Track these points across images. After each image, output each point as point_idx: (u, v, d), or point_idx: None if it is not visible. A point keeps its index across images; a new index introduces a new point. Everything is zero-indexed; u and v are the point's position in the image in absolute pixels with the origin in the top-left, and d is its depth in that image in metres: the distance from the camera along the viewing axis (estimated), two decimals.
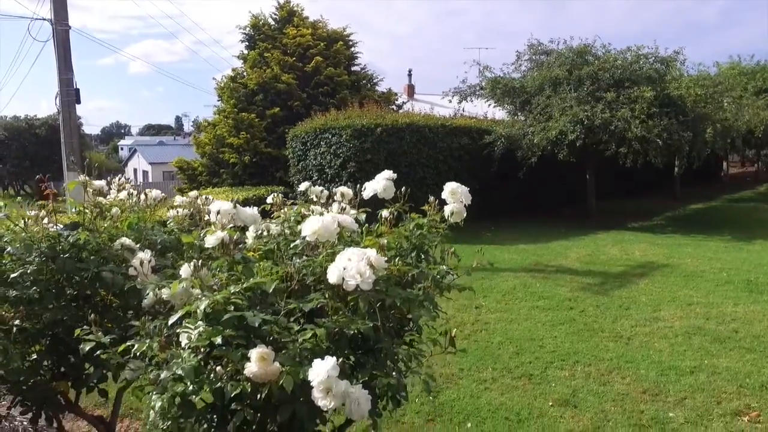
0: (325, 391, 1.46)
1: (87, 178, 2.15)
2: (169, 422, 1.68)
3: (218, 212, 1.89)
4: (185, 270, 1.80)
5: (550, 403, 4.22)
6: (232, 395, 1.59)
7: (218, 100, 17.22)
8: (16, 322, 2.02)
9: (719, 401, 4.20)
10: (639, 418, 3.96)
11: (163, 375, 1.65)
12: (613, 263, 9.06)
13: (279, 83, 15.51)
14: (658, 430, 3.81)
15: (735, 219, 14.22)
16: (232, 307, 1.69)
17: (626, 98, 11.53)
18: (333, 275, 1.60)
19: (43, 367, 2.16)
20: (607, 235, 11.65)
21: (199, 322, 1.65)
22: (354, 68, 17.66)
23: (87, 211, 2.21)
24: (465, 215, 2.23)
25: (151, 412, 1.72)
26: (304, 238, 1.76)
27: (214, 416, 1.77)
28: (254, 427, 1.71)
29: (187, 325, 1.68)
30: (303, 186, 2.61)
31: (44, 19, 10.83)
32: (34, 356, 2.12)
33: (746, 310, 6.37)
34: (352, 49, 17.53)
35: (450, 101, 14.38)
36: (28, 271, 2.07)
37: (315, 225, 1.75)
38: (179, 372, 1.61)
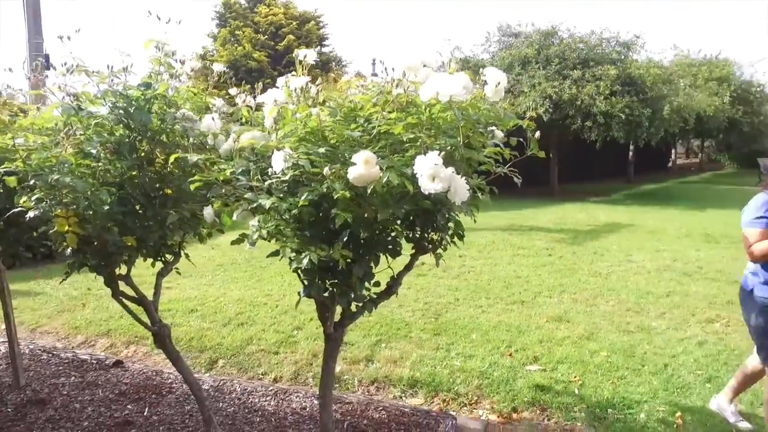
0: (431, 177, 1.67)
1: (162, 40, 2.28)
2: (272, 227, 1.87)
3: (305, 56, 2.08)
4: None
5: (545, 320, 4.54)
6: (335, 197, 1.78)
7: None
8: (99, 164, 2.16)
9: (694, 314, 4.64)
10: (626, 328, 4.33)
11: (266, 183, 1.83)
12: (582, 224, 9.58)
13: (251, 60, 15.47)
14: (645, 334, 4.19)
15: (687, 195, 15.16)
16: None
17: (591, 76, 12.13)
18: (427, 92, 1.81)
19: (113, 220, 2.28)
20: (572, 206, 12.26)
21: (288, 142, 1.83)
22: (324, 49, 17.76)
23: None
24: (503, 95, 2.49)
25: (253, 221, 1.90)
26: (394, 69, 1.97)
27: (306, 232, 1.95)
28: (349, 235, 1.91)
29: (286, 144, 1.87)
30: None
31: None
32: (107, 207, 2.24)
33: (707, 254, 6.93)
34: (322, 30, 17.63)
35: None
36: (109, 119, 2.21)
37: (407, 59, 1.96)
38: (283, 178, 1.80)
